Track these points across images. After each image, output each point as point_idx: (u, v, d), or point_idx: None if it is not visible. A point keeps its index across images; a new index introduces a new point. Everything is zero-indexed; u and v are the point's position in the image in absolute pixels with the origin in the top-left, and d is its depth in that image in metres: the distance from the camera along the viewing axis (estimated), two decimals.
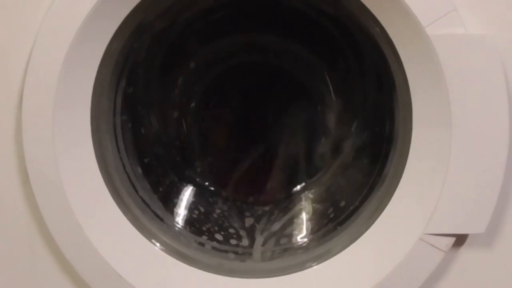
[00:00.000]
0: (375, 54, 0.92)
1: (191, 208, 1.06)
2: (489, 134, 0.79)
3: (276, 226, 1.03)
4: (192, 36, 1.09)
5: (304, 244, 1.00)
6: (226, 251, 0.98)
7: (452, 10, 0.77)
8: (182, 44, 1.08)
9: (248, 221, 1.05)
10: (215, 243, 0.99)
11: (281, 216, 1.05)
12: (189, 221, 1.03)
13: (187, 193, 1.08)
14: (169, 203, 1.04)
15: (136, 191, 0.98)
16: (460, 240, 0.84)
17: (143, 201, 0.98)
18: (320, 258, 0.89)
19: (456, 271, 0.86)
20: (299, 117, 1.13)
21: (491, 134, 0.79)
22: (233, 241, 1.01)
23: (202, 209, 1.06)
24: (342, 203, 1.02)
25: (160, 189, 1.04)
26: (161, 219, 0.99)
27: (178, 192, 1.07)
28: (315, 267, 0.89)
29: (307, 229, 1.03)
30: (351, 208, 0.98)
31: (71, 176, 0.83)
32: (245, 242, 1.01)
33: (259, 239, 1.01)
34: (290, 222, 1.04)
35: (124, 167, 0.97)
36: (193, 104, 1.14)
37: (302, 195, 1.09)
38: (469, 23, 0.77)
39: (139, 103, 1.05)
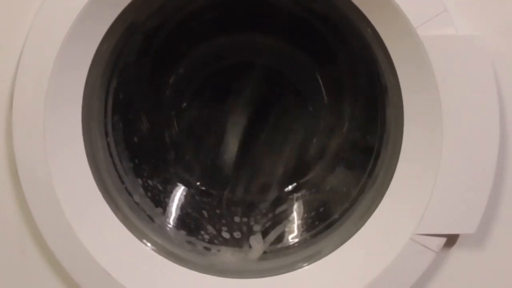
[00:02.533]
0: (367, 54, 0.92)
1: (182, 208, 1.06)
2: (479, 134, 0.79)
3: (267, 226, 1.03)
4: (183, 36, 1.08)
5: (295, 244, 1.00)
6: (217, 251, 0.98)
7: (443, 11, 0.77)
8: (174, 44, 1.08)
9: (240, 221, 1.05)
10: (206, 243, 0.99)
11: (272, 216, 1.05)
12: (180, 221, 1.03)
13: (178, 193, 1.08)
14: (161, 203, 1.03)
15: (127, 191, 0.98)
16: (451, 240, 0.84)
17: (134, 201, 0.98)
18: (311, 259, 0.89)
19: (447, 271, 0.86)
20: (291, 118, 1.13)
21: (482, 135, 0.79)
22: (224, 241, 1.01)
23: (194, 209, 1.06)
24: (333, 204, 1.03)
25: (152, 189, 1.04)
26: (152, 219, 0.98)
27: (169, 192, 1.07)
28: (306, 267, 0.89)
29: (298, 229, 1.03)
30: (342, 208, 0.98)
31: (61, 176, 0.83)
32: (236, 242, 1.01)
33: (250, 239, 1.01)
34: (282, 222, 1.04)
35: (115, 167, 0.97)
36: (185, 104, 1.14)
37: (294, 195, 1.09)
38: (459, 24, 0.78)
39: (130, 103, 1.05)
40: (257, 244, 1.00)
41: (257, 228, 1.03)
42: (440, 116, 0.78)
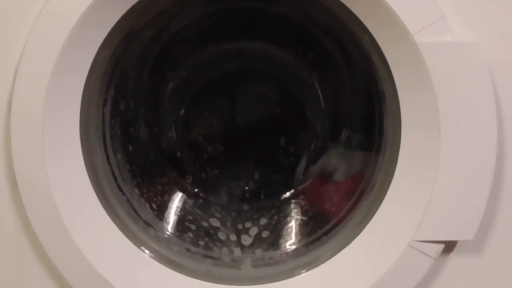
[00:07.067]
0: (364, 61, 0.92)
1: (180, 215, 1.06)
2: (477, 141, 0.79)
3: (265, 233, 1.03)
4: (181, 43, 1.09)
5: (293, 251, 1.00)
6: (215, 258, 0.98)
7: (440, 18, 0.77)
8: (171, 51, 1.08)
9: (238, 228, 1.05)
10: (204, 250, 0.99)
11: (270, 223, 1.05)
12: (178, 228, 1.03)
13: (176, 200, 1.08)
14: (159, 210, 1.03)
15: (126, 197, 0.97)
16: (449, 246, 0.84)
17: (132, 207, 0.98)
18: (309, 265, 0.89)
19: (445, 278, 0.86)
20: (289, 124, 1.13)
21: (480, 141, 0.79)
22: (222, 248, 1.01)
23: (191, 216, 1.06)
24: (331, 210, 1.03)
25: (150, 195, 1.04)
26: (151, 226, 0.98)
27: (167, 199, 1.07)
28: (304, 274, 0.89)
29: (296, 236, 1.03)
30: (340, 214, 0.98)
31: (60, 182, 0.83)
32: (234, 249, 1.01)
33: (248, 246, 1.01)
34: (279, 229, 1.04)
35: (113, 173, 0.97)
36: (183, 111, 1.14)
37: (291, 202, 1.09)
38: (456, 31, 0.78)
39: (129, 110, 1.05)
40: (254, 250, 1.00)
41: (255, 234, 1.03)
42: (438, 122, 0.79)
